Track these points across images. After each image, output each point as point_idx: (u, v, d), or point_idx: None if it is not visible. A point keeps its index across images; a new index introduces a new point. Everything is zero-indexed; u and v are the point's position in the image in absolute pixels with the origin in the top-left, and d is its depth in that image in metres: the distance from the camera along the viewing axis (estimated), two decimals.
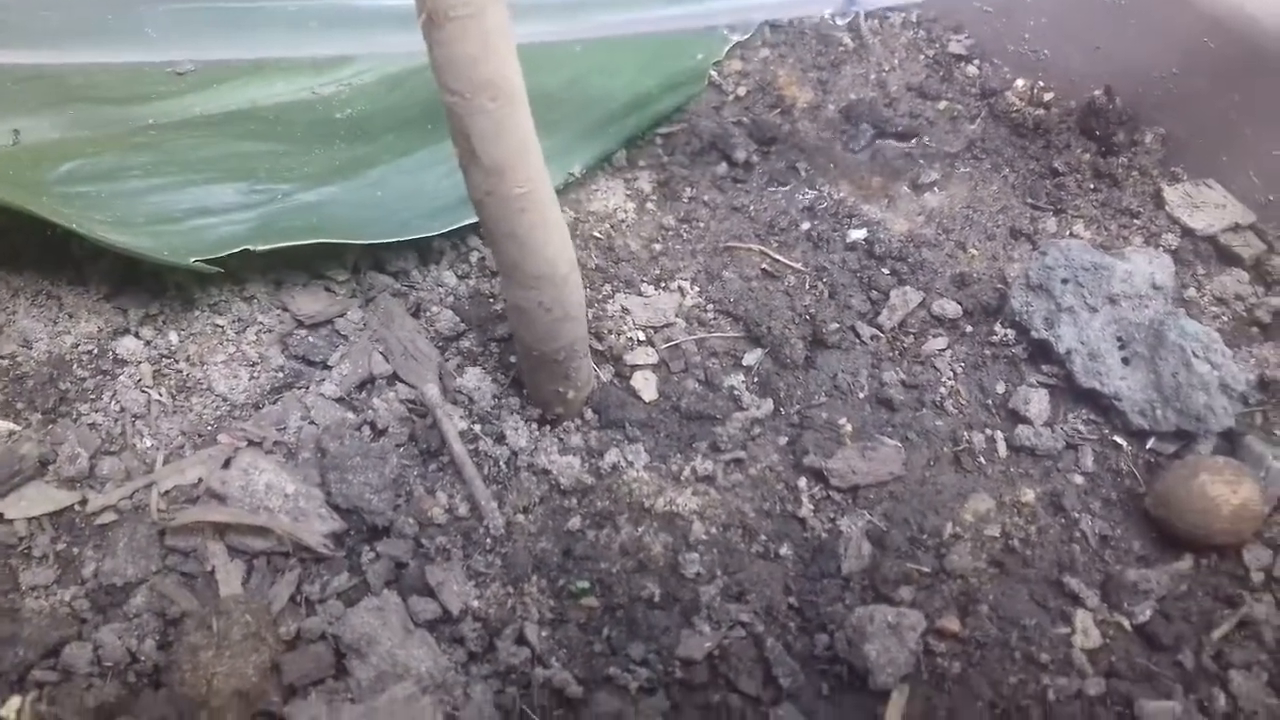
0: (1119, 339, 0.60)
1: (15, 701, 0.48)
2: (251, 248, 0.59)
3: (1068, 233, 0.69)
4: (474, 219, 0.64)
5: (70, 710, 0.47)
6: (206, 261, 0.58)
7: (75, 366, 0.58)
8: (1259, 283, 0.67)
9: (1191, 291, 0.66)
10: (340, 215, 0.63)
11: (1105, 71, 0.75)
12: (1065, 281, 0.61)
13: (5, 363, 0.58)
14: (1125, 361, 0.60)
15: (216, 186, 0.62)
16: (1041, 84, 0.79)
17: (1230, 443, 0.59)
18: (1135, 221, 0.69)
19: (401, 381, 0.60)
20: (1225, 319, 0.65)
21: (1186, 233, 0.68)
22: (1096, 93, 0.74)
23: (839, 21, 0.69)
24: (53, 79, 0.67)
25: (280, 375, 0.60)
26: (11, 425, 0.56)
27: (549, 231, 0.49)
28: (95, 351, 0.59)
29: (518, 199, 0.46)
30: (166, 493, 0.55)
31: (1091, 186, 0.71)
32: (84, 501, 0.54)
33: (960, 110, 0.78)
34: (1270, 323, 0.64)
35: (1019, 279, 0.63)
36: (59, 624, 0.50)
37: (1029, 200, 0.71)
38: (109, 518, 0.54)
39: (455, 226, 0.64)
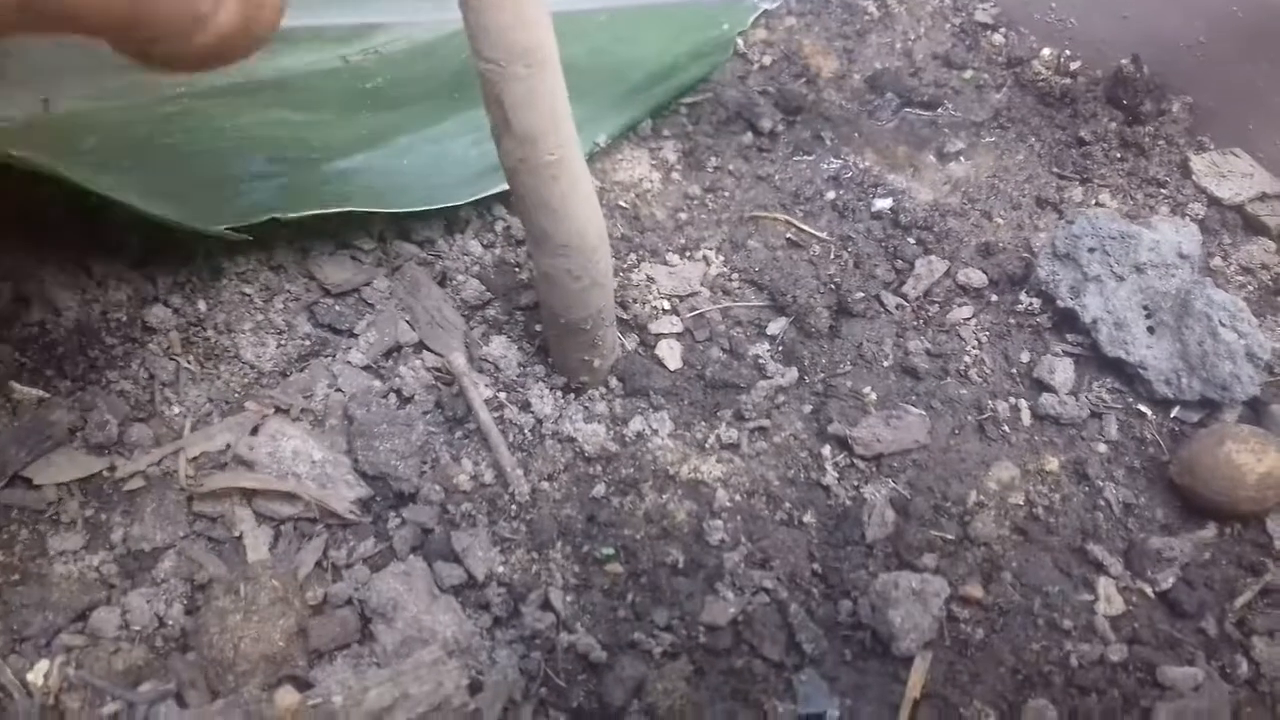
0: (1145, 308, 0.60)
1: (43, 665, 0.48)
2: (279, 216, 0.59)
3: (1094, 202, 0.69)
4: (500, 188, 0.64)
5: (98, 674, 0.48)
6: (235, 230, 0.59)
7: (104, 334, 0.59)
8: None
9: (1218, 260, 0.65)
10: (368, 185, 0.63)
11: (1132, 40, 0.74)
12: (1092, 250, 0.61)
13: (34, 330, 0.58)
14: (1151, 330, 0.60)
15: (246, 155, 0.62)
16: (1069, 53, 0.78)
17: (1255, 411, 0.59)
18: (1162, 191, 0.69)
19: (428, 349, 0.60)
20: (1251, 288, 0.65)
21: (1213, 202, 0.68)
22: (1124, 61, 0.73)
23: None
24: (82, 48, 0.67)
25: (307, 343, 0.61)
26: (40, 392, 0.56)
27: (579, 200, 0.49)
28: (124, 320, 0.59)
29: (549, 166, 0.47)
30: (194, 459, 0.55)
31: (1118, 156, 0.71)
32: (113, 468, 0.55)
33: (986, 79, 0.78)
34: None
35: (1045, 248, 0.63)
36: (87, 589, 0.51)
37: (1055, 169, 0.71)
38: (137, 484, 0.54)
39: (481, 195, 0.64)
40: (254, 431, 0.56)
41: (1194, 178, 0.69)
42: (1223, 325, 0.57)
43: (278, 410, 0.58)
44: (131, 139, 0.61)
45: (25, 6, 0.34)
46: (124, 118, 0.63)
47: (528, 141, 0.46)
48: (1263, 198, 0.68)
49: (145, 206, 0.57)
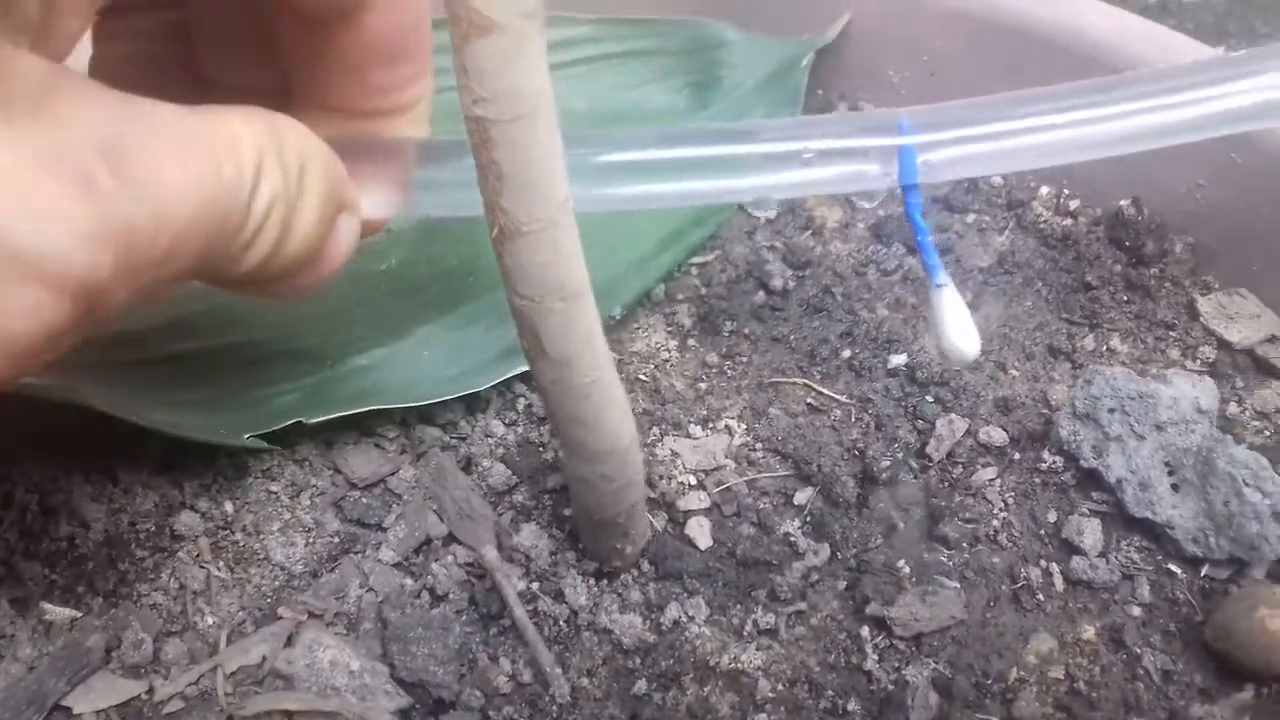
0: (1167, 465, 0.61)
1: None
2: (305, 419, 0.59)
3: (1105, 347, 0.69)
4: (520, 369, 0.64)
5: None
6: (261, 437, 0.59)
7: (134, 545, 0.58)
8: None
9: (1233, 407, 0.66)
10: (390, 378, 0.63)
11: (1129, 179, 0.75)
12: (1112, 411, 0.61)
13: (63, 544, 0.58)
14: (1175, 488, 0.60)
15: (265, 356, 0.62)
16: (1067, 191, 0.79)
17: None
18: (1171, 334, 0.70)
19: (458, 543, 0.60)
20: (1268, 433, 0.65)
21: (1223, 345, 0.69)
22: (1124, 203, 0.74)
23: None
24: None
25: (336, 540, 0.60)
26: (73, 611, 0.56)
27: (612, 411, 0.49)
28: (153, 529, 0.59)
29: (584, 386, 0.47)
30: (232, 674, 0.55)
31: (1125, 299, 0.72)
32: (150, 690, 0.54)
33: (988, 222, 0.79)
34: None
35: (1065, 408, 0.63)
36: None
37: (1064, 315, 0.72)
38: (176, 705, 0.53)
39: (500, 380, 0.65)
40: (289, 642, 0.56)
41: (1202, 320, 0.70)
42: (1246, 485, 0.58)
43: (311, 616, 0.57)
44: (147, 344, 0.61)
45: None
46: (137, 323, 0.62)
47: (563, 365, 0.46)
48: (1272, 339, 0.68)
49: (168, 418, 0.57)
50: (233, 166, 0.38)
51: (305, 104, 0.51)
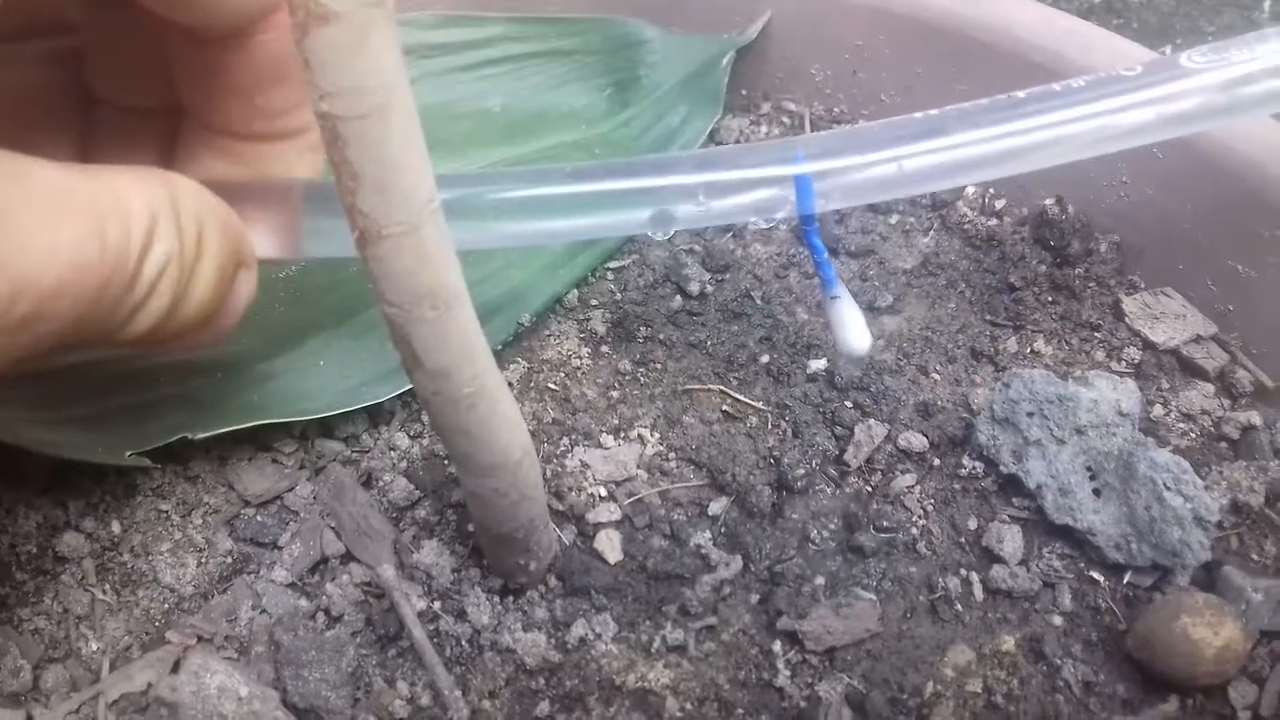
0: (1088, 469, 0.59)
1: None
2: (190, 436, 0.57)
3: (1029, 349, 0.68)
4: None
5: None
6: (147, 454, 0.56)
7: (14, 569, 0.56)
8: (1224, 395, 0.66)
9: (1158, 409, 0.65)
10: (282, 390, 0.60)
11: (1053, 176, 0.74)
12: (1031, 415, 0.60)
13: None
14: (1096, 493, 0.59)
15: (149, 369, 0.60)
16: (992, 191, 0.78)
17: (1208, 572, 0.58)
18: (1096, 335, 0.68)
19: (355, 561, 0.58)
20: (1193, 436, 0.64)
21: (1148, 346, 0.67)
22: (1048, 201, 0.73)
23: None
24: None
25: (229, 561, 0.58)
26: None
27: (499, 422, 0.47)
28: (34, 551, 0.56)
29: (466, 397, 0.45)
30: (115, 703, 0.52)
31: (1049, 299, 0.70)
32: (29, 719, 0.52)
33: (913, 223, 0.77)
34: (1238, 439, 0.63)
35: (984, 412, 0.62)
36: None
37: (988, 317, 0.70)
38: None
39: (403, 390, 0.62)
40: (175, 668, 0.53)
41: (1127, 320, 0.68)
42: (1168, 489, 0.56)
43: (200, 640, 0.55)
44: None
45: None
46: None
47: (441, 376, 0.44)
48: (1197, 340, 0.67)
49: (46, 437, 0.55)
50: (119, 229, 0.36)
51: (196, 125, 0.50)
